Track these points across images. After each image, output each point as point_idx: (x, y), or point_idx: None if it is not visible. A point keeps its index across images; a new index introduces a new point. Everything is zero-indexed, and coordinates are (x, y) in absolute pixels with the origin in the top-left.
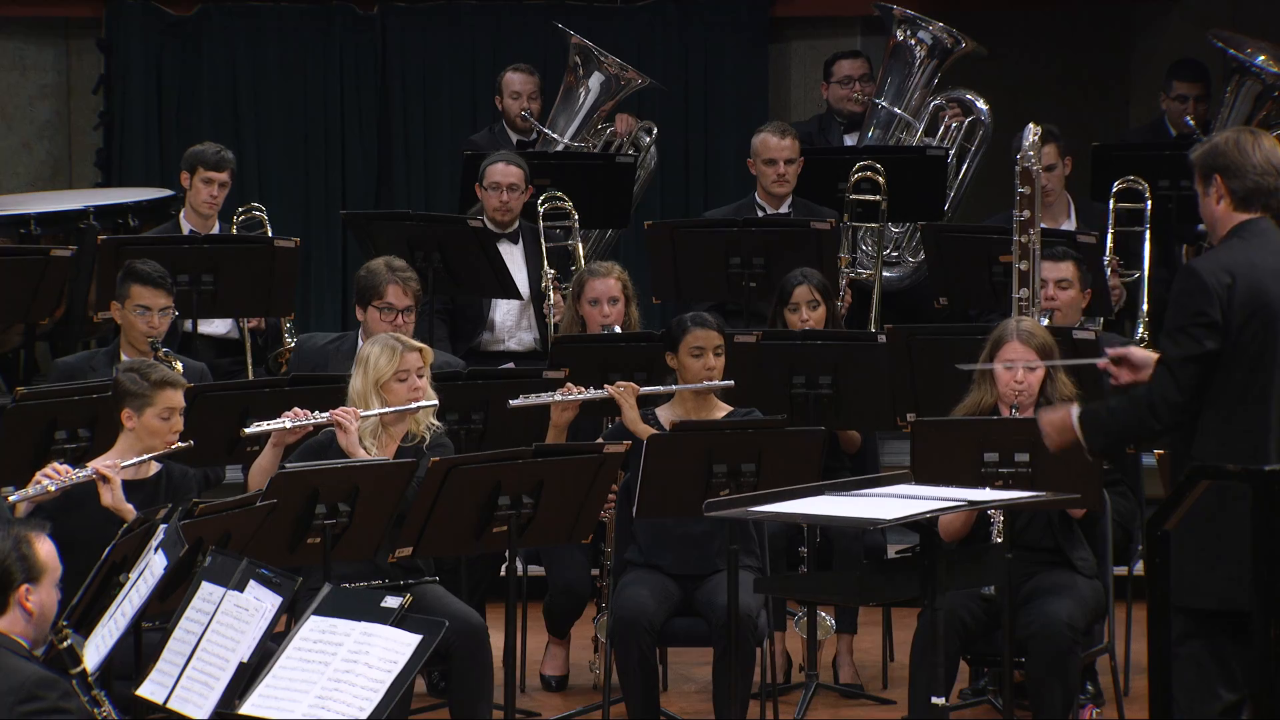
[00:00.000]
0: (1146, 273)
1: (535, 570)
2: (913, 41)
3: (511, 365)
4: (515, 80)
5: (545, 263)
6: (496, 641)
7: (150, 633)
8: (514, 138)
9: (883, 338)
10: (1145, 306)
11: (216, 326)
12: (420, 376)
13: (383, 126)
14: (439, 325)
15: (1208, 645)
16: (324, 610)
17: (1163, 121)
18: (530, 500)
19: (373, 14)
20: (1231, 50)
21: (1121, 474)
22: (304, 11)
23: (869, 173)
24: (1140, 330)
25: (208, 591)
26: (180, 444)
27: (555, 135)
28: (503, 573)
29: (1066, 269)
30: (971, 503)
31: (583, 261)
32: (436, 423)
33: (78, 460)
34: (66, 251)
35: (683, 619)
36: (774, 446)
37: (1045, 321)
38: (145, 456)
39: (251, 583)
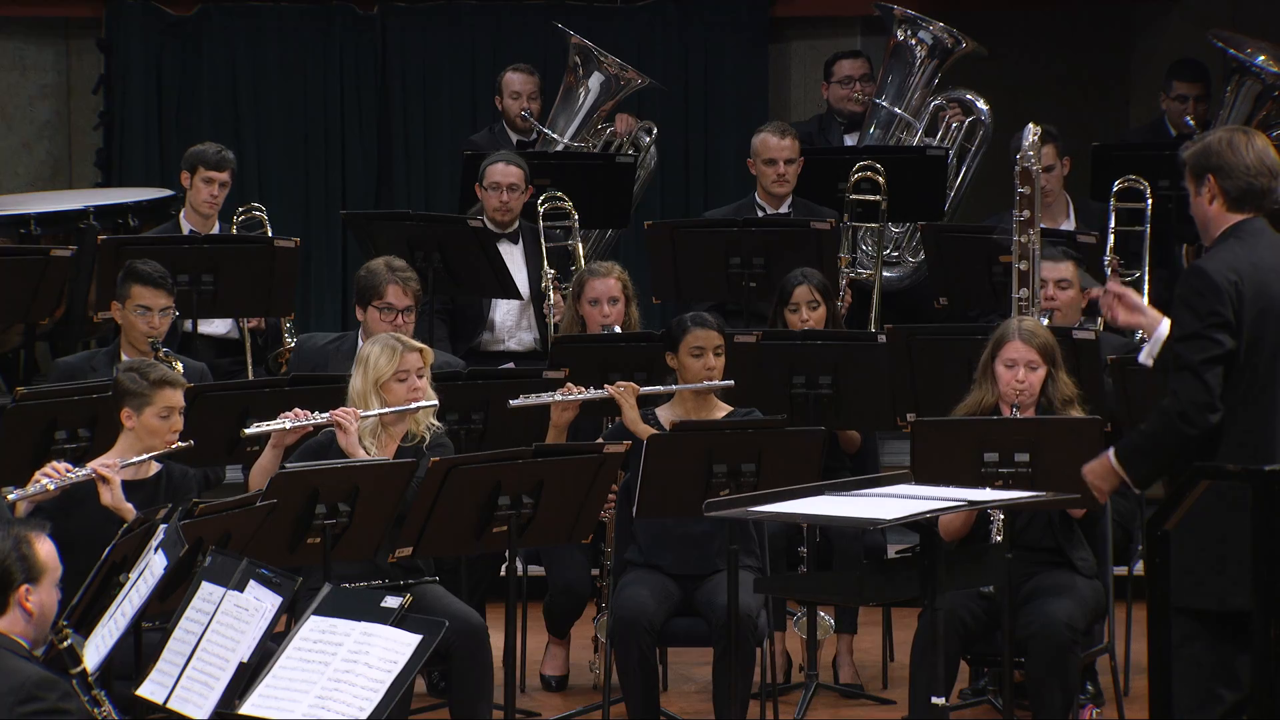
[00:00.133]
0: (1147, 273)
1: (535, 570)
2: (913, 41)
3: (511, 365)
4: (515, 80)
5: (545, 263)
6: (496, 641)
7: (150, 633)
8: (514, 138)
9: (883, 338)
10: None
11: (216, 326)
12: (420, 377)
13: (383, 126)
14: (439, 325)
15: (1209, 647)
16: (324, 610)
17: (1163, 121)
18: (530, 500)
19: (373, 14)
20: (1231, 50)
21: None
22: (304, 11)
23: (869, 173)
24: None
25: (208, 591)
26: (180, 444)
27: (555, 135)
28: (503, 573)
29: (1066, 269)
30: (971, 503)
31: (583, 261)
32: (436, 423)
33: (78, 460)
34: (66, 251)
35: (683, 619)
36: (774, 446)
37: (1045, 321)
38: (145, 456)
39: (251, 583)
